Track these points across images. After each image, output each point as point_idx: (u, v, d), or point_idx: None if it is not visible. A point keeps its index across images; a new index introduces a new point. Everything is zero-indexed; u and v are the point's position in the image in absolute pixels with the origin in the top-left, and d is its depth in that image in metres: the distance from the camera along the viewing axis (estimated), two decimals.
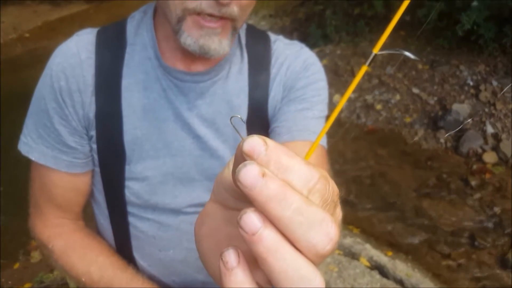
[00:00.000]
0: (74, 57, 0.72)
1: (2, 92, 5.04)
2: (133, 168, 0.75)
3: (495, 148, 3.71)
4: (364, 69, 0.37)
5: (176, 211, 0.79)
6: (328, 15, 5.14)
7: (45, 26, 7.72)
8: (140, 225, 0.81)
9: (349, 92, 0.40)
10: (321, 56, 5.07)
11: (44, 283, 2.56)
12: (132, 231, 0.82)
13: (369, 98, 4.49)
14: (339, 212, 0.31)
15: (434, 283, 2.65)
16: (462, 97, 4.22)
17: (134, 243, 0.82)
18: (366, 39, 5.04)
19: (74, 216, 0.84)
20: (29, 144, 0.77)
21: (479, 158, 3.68)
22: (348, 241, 2.78)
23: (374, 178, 3.64)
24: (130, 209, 0.80)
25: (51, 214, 0.81)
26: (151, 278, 0.83)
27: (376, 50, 0.36)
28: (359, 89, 4.60)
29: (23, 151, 0.78)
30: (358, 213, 3.29)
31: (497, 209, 3.18)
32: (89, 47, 0.73)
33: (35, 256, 2.86)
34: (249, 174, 0.24)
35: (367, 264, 2.64)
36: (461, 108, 4.05)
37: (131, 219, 0.81)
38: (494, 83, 4.24)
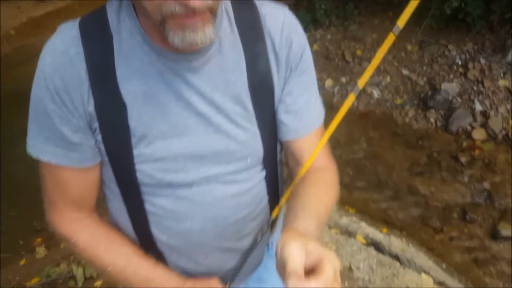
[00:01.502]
0: (63, 55, 0.72)
1: None
2: (142, 152, 0.77)
3: (484, 125, 3.79)
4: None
5: (190, 184, 0.82)
6: None
7: (30, 22, 7.58)
8: (156, 202, 0.84)
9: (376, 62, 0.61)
10: (311, 41, 5.07)
11: (51, 277, 2.60)
12: (149, 208, 0.84)
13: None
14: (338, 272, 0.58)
15: (428, 256, 2.75)
16: (451, 76, 4.29)
17: (152, 219, 0.86)
18: (355, 22, 5.07)
19: (89, 210, 0.87)
20: (38, 147, 0.78)
21: (468, 135, 3.75)
22: (344, 220, 2.88)
23: (367, 159, 3.72)
24: (144, 189, 0.82)
25: (66, 209, 0.84)
26: (170, 250, 0.89)
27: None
28: (350, 72, 4.64)
29: (33, 154, 0.79)
30: (353, 193, 3.37)
31: (486, 184, 3.28)
32: (75, 41, 0.72)
33: (40, 251, 2.91)
34: None
35: (363, 241, 2.74)
36: (450, 87, 4.11)
37: (146, 198, 0.83)
38: (482, 61, 4.30)
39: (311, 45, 5.25)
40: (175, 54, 0.72)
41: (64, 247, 2.96)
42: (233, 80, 0.78)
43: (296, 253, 0.57)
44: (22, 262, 2.82)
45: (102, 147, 0.78)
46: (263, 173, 0.91)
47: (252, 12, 0.80)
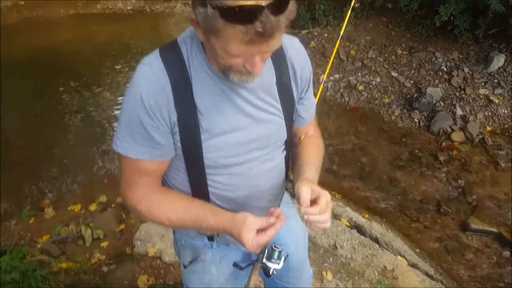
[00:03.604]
0: (156, 83, 0.98)
1: (1, 60, 5.06)
2: (209, 144, 1.06)
3: (463, 128, 4.04)
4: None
5: (240, 164, 1.13)
6: None
7: None
8: (215, 179, 1.13)
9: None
10: (309, 37, 5.29)
11: (61, 235, 2.79)
12: (210, 183, 1.14)
13: (352, 79, 4.77)
14: (331, 204, 1.03)
15: (404, 241, 2.99)
16: (436, 81, 4.54)
17: (211, 190, 1.15)
18: (351, 23, 5.29)
19: (156, 184, 1.15)
20: (125, 146, 1.03)
21: (448, 136, 4.00)
22: (331, 204, 3.10)
23: (354, 151, 3.94)
24: (208, 170, 1.11)
25: (138, 187, 1.11)
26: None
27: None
28: (344, 70, 4.86)
29: (121, 152, 1.04)
30: (340, 181, 3.59)
31: (461, 182, 3.54)
32: (162, 72, 0.99)
33: (48, 212, 3.08)
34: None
35: (347, 224, 2.97)
36: (435, 92, 4.36)
37: (208, 177, 1.13)
38: (466, 69, 4.57)
39: (309, 42, 5.45)
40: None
41: (71, 210, 3.14)
42: (268, 90, 1.10)
43: (306, 192, 1.03)
44: (31, 221, 2.98)
45: (179, 144, 1.06)
46: (285, 153, 1.26)
47: None
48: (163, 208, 1.11)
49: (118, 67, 5.51)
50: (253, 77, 0.96)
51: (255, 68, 0.92)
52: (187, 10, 7.47)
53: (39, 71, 5.31)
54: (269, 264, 1.16)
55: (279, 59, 1.11)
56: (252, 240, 0.99)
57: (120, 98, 4.88)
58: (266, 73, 1.08)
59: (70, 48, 5.98)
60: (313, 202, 1.03)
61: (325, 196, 1.04)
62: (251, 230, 0.99)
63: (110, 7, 7.52)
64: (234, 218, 1.03)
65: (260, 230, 1.00)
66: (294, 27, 5.40)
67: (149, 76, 0.99)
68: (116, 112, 4.61)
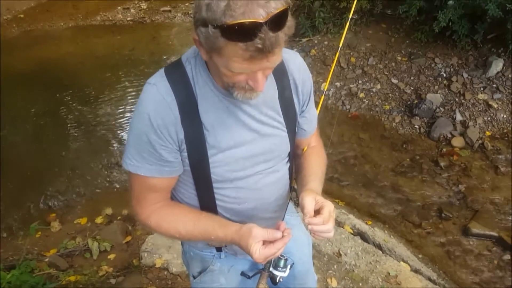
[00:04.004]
0: (162, 102, 1.02)
1: (1, 73, 5.11)
2: (215, 160, 1.09)
3: (463, 134, 4.08)
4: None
5: (246, 177, 1.16)
6: (316, 7, 5.41)
7: (38, 7, 7.71)
8: (222, 192, 1.17)
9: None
10: (310, 46, 5.33)
11: (68, 248, 2.82)
12: (217, 197, 1.17)
13: (353, 87, 4.80)
14: (334, 214, 1.04)
15: (407, 247, 3.03)
16: (436, 87, 4.58)
17: (219, 203, 1.19)
18: (351, 30, 5.34)
19: (165, 199, 1.19)
20: (135, 165, 1.07)
21: (448, 142, 4.04)
22: (334, 214, 3.13)
23: (357, 158, 3.97)
24: (215, 185, 1.15)
25: (148, 203, 1.15)
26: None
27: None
28: (344, 78, 4.90)
29: (132, 170, 1.08)
30: (343, 188, 3.63)
31: (462, 187, 3.57)
32: (168, 91, 1.02)
33: (55, 226, 3.12)
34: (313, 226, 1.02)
35: (351, 231, 2.99)
36: (435, 98, 4.40)
37: (216, 190, 1.16)
38: (465, 75, 4.61)
39: (309, 50, 5.50)
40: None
41: (77, 223, 3.18)
42: (271, 105, 1.14)
43: (309, 202, 1.06)
44: (38, 235, 3.02)
45: (187, 161, 1.10)
46: (288, 164, 1.29)
47: None
48: (173, 222, 1.15)
49: (120, 79, 5.57)
50: (256, 93, 1.00)
51: (258, 85, 0.95)
52: (187, 20, 7.54)
53: (41, 84, 5.36)
54: (275, 272, 1.20)
55: (281, 74, 1.16)
56: (259, 251, 1.03)
57: (122, 110, 4.93)
58: (268, 88, 1.11)
59: (71, 60, 6.04)
60: (317, 212, 1.06)
61: (328, 206, 1.07)
62: (257, 242, 1.03)
63: (110, 18, 7.58)
64: (241, 229, 1.07)
65: (268, 242, 1.04)
66: (294, 36, 5.40)
67: (156, 96, 1.03)
68: (118, 124, 4.66)
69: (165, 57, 6.17)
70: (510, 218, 3.25)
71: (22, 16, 7.45)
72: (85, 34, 6.98)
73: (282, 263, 1.20)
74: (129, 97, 5.17)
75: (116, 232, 2.97)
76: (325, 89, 1.53)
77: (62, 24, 7.24)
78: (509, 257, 2.97)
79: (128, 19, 7.60)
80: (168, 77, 1.05)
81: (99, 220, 3.18)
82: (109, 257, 2.78)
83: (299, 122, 1.26)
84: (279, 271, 1.20)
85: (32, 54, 6.13)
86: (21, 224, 3.24)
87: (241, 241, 1.06)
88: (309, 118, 1.29)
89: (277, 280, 1.22)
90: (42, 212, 3.37)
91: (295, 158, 1.36)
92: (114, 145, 4.30)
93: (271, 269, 1.21)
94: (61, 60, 6.01)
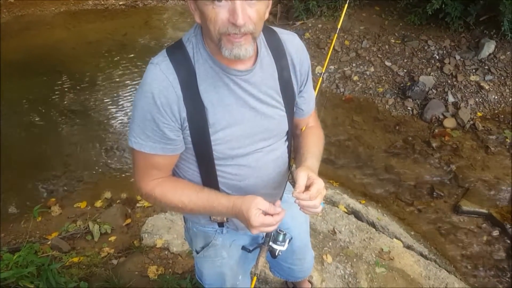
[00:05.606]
0: (165, 80, 1.05)
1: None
2: (217, 137, 1.13)
3: (454, 115, 4.15)
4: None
5: (246, 155, 1.21)
6: None
7: None
8: (224, 169, 1.21)
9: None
10: (304, 29, 5.33)
11: (70, 231, 2.87)
12: (219, 173, 1.22)
13: (347, 70, 4.84)
14: (324, 192, 1.11)
15: (399, 224, 3.10)
16: (429, 69, 4.63)
17: (220, 180, 1.23)
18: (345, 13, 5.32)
19: (167, 174, 1.23)
20: (140, 143, 1.11)
21: (440, 123, 4.11)
22: (329, 192, 3.20)
23: (350, 140, 4.03)
24: (216, 162, 1.19)
25: (151, 178, 1.19)
26: None
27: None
28: (338, 61, 4.93)
29: (136, 147, 1.12)
30: (337, 169, 3.69)
31: (453, 166, 3.66)
32: (170, 70, 1.06)
33: (55, 210, 3.16)
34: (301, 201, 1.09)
35: (345, 210, 3.06)
36: (427, 80, 4.45)
37: (217, 168, 1.20)
38: (457, 57, 4.66)
39: (303, 34, 5.49)
40: (235, 71, 1.10)
41: (77, 207, 3.23)
42: (270, 84, 1.18)
43: (302, 178, 1.12)
44: (39, 219, 3.06)
45: (189, 138, 1.14)
46: (287, 143, 1.34)
47: (276, 39, 1.21)
48: (177, 193, 1.19)
49: (113, 64, 5.54)
50: (244, 49, 1.00)
51: (237, 15, 0.95)
52: (179, 4, 7.48)
53: (34, 71, 5.33)
54: (274, 246, 1.27)
55: (280, 55, 1.19)
56: (257, 216, 1.07)
57: (116, 94, 4.94)
58: (267, 68, 1.16)
59: (63, 46, 5.98)
60: (308, 188, 1.12)
61: (318, 184, 1.12)
62: (259, 208, 1.08)
63: (102, 2, 7.50)
64: (245, 196, 1.13)
65: (267, 214, 1.10)
66: (288, 19, 5.47)
67: (159, 75, 1.06)
68: (113, 109, 4.67)
69: (158, 41, 6.13)
70: (499, 196, 3.35)
71: (12, 1, 7.34)
72: (77, 19, 6.90)
73: (281, 237, 1.27)
74: (123, 82, 5.16)
75: (116, 215, 3.03)
76: (323, 71, 1.56)
77: (53, 8, 7.15)
78: (498, 233, 3.07)
79: (121, 3, 7.53)
80: (170, 57, 1.09)
81: (98, 203, 3.23)
82: (110, 239, 2.83)
83: (297, 102, 1.30)
84: (278, 245, 1.27)
85: (23, 39, 6.08)
86: (21, 209, 3.27)
87: (243, 204, 1.11)
88: (307, 98, 1.32)
89: (276, 254, 1.29)
90: (42, 197, 3.40)
91: (294, 138, 1.41)
92: (110, 129, 4.32)
93: (270, 243, 1.28)
94: (53, 45, 5.95)
